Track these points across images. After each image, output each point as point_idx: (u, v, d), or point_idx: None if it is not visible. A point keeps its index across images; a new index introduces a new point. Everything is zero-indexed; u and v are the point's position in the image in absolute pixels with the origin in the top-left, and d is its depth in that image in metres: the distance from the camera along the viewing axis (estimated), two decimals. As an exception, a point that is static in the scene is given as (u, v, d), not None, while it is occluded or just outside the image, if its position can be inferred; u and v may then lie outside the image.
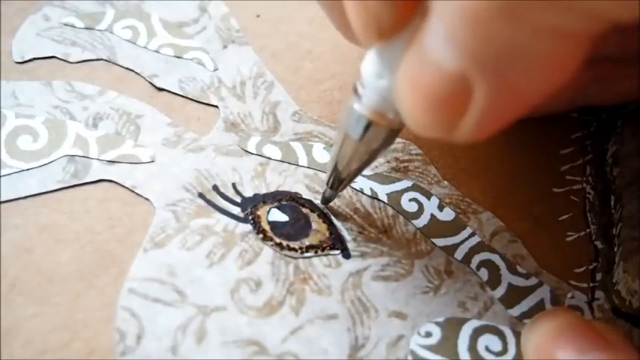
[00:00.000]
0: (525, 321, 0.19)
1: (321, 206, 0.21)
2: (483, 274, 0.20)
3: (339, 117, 0.18)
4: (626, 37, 0.19)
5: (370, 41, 0.15)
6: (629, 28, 0.19)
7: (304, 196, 0.21)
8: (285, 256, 0.20)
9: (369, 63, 0.16)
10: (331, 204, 0.21)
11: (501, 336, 0.19)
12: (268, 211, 0.20)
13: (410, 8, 0.14)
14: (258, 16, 0.25)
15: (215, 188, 0.21)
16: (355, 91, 0.16)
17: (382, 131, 0.17)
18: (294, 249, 0.20)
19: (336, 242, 0.20)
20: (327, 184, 0.19)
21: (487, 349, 0.19)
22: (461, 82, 0.13)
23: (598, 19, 0.12)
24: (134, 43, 0.23)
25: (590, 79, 0.21)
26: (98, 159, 0.21)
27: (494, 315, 0.19)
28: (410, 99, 0.14)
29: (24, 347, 0.18)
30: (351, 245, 0.20)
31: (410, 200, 0.21)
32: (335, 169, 0.19)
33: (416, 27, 0.14)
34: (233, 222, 0.20)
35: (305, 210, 0.21)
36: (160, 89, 0.23)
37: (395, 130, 0.17)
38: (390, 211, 0.21)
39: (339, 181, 0.19)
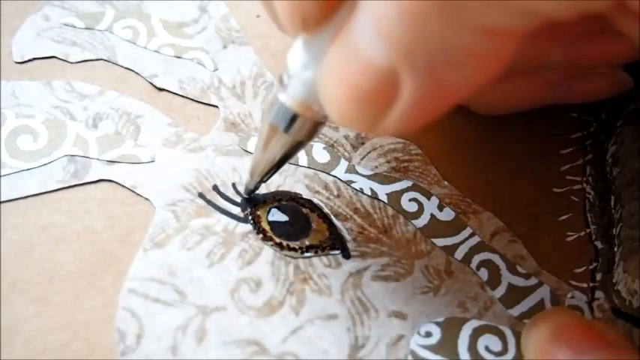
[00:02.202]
0: (525, 321, 0.19)
1: (319, 204, 0.21)
2: (483, 274, 0.20)
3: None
4: (574, 49, 0.19)
5: (295, 32, 0.15)
6: (576, 40, 0.19)
7: (304, 196, 0.21)
8: (285, 256, 0.20)
9: (296, 53, 0.16)
10: (331, 204, 0.21)
11: (501, 336, 0.19)
12: (268, 211, 0.20)
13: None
14: (258, 16, 0.25)
15: (215, 188, 0.21)
16: (281, 81, 0.16)
17: (307, 123, 0.17)
18: (294, 249, 0.20)
19: (336, 242, 0.20)
20: (251, 174, 0.19)
21: (487, 349, 0.19)
22: (388, 76, 0.13)
23: (531, 17, 0.13)
24: (134, 43, 0.23)
25: (561, 76, 0.21)
26: (98, 159, 0.21)
27: (494, 315, 0.19)
28: (335, 91, 0.14)
29: (24, 347, 0.18)
30: (351, 245, 0.20)
31: (410, 200, 0.21)
32: (260, 159, 0.18)
33: (343, 19, 0.14)
34: (233, 222, 0.20)
35: (305, 210, 0.21)
36: (160, 89, 0.23)
37: (320, 122, 0.17)
38: (390, 211, 0.21)
39: (264, 171, 0.19)
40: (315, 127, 0.17)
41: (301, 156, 0.22)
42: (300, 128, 0.17)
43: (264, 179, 0.19)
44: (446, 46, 0.13)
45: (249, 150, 0.22)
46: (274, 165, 0.19)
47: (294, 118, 0.17)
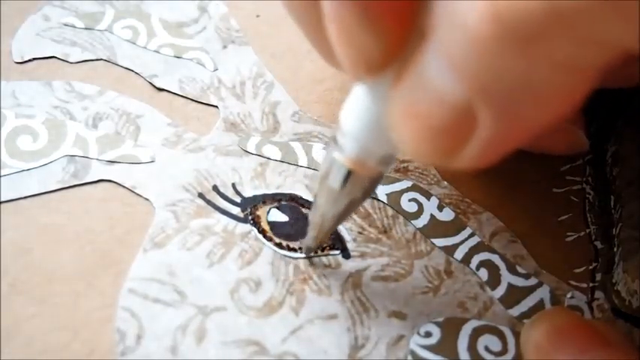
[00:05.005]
0: (525, 321, 0.19)
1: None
2: (483, 274, 0.20)
3: (322, 166, 0.17)
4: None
5: (359, 76, 0.14)
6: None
7: (304, 197, 0.21)
8: (285, 256, 0.20)
9: (349, 111, 0.15)
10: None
11: (501, 336, 0.19)
12: (268, 212, 0.20)
13: (401, 39, 0.13)
14: (258, 16, 0.25)
15: (215, 188, 0.21)
16: (335, 140, 0.16)
17: (363, 180, 0.17)
18: (293, 249, 0.20)
19: (336, 242, 0.20)
20: (309, 233, 0.19)
21: (487, 349, 0.19)
22: (464, 112, 0.13)
23: (615, 50, 0.12)
24: (134, 43, 0.23)
25: None
26: (98, 159, 0.21)
27: (493, 315, 0.19)
28: (408, 129, 0.14)
29: (24, 347, 0.18)
30: (350, 245, 0.20)
31: (410, 200, 0.21)
32: (317, 218, 0.18)
33: (407, 57, 0.13)
34: (233, 222, 0.20)
35: (305, 210, 0.21)
36: (160, 89, 0.23)
37: (376, 178, 0.17)
38: (390, 211, 0.21)
39: (323, 229, 0.18)
40: (371, 183, 0.17)
41: (301, 156, 0.22)
42: (355, 185, 0.17)
43: (325, 237, 0.19)
44: (525, 82, 0.12)
45: (248, 150, 0.22)
46: (332, 223, 0.18)
47: (348, 176, 0.16)
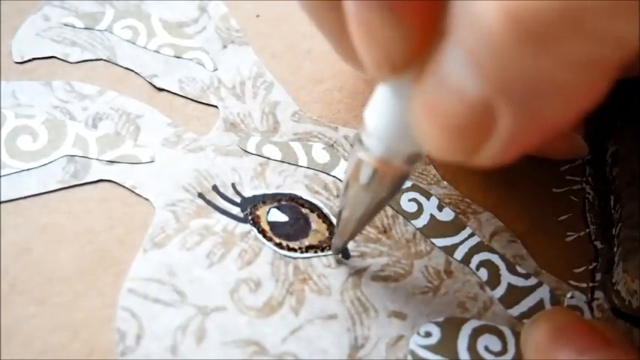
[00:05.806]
0: (525, 321, 0.19)
1: (319, 205, 0.21)
2: (483, 274, 0.20)
3: (348, 165, 0.17)
4: None
5: (382, 75, 0.15)
6: None
7: (304, 197, 0.21)
8: (285, 256, 0.20)
9: (373, 111, 0.15)
10: (331, 204, 0.21)
11: (501, 336, 0.19)
12: (268, 212, 0.20)
13: (425, 38, 0.13)
14: (258, 16, 0.25)
15: (215, 188, 0.21)
16: (359, 140, 0.16)
17: (389, 179, 0.17)
18: (293, 249, 0.20)
19: (336, 242, 0.20)
20: (338, 232, 0.19)
21: (486, 349, 0.19)
22: (484, 109, 0.13)
23: (630, 46, 0.12)
24: (134, 43, 0.23)
25: None
26: (98, 159, 0.21)
27: (493, 315, 0.19)
28: (429, 126, 0.14)
29: (24, 347, 0.18)
30: (350, 245, 0.20)
31: (409, 200, 0.21)
32: (344, 217, 0.18)
33: (428, 56, 0.13)
34: (233, 222, 0.20)
35: (304, 210, 0.21)
36: (160, 89, 0.23)
37: (402, 177, 0.17)
38: (390, 211, 0.21)
39: (349, 230, 0.19)
40: (397, 182, 0.17)
41: (301, 156, 0.22)
42: (381, 185, 0.17)
43: (352, 237, 0.19)
44: (543, 79, 0.12)
45: (248, 150, 0.22)
46: (360, 223, 0.18)
47: (374, 175, 0.16)
